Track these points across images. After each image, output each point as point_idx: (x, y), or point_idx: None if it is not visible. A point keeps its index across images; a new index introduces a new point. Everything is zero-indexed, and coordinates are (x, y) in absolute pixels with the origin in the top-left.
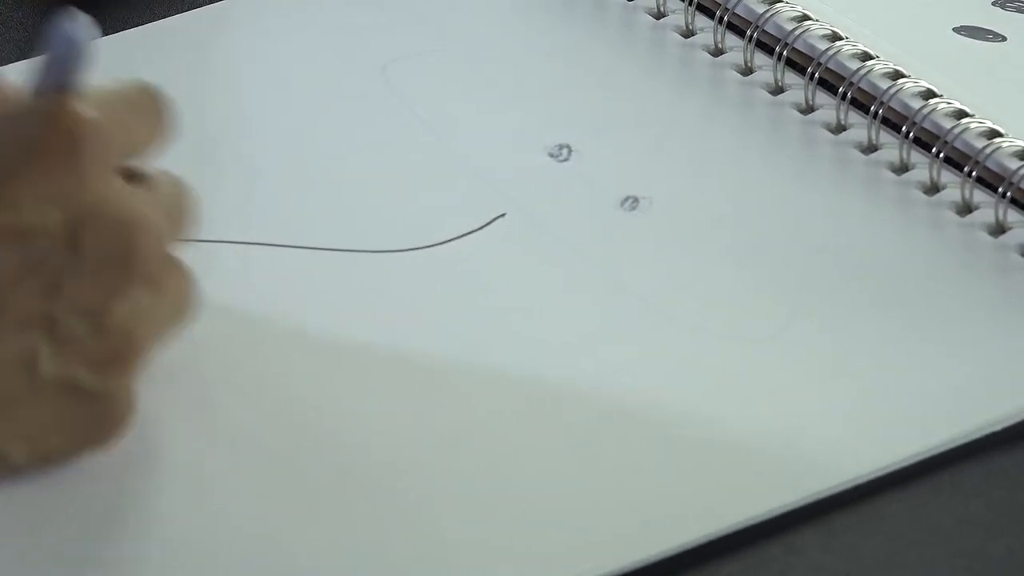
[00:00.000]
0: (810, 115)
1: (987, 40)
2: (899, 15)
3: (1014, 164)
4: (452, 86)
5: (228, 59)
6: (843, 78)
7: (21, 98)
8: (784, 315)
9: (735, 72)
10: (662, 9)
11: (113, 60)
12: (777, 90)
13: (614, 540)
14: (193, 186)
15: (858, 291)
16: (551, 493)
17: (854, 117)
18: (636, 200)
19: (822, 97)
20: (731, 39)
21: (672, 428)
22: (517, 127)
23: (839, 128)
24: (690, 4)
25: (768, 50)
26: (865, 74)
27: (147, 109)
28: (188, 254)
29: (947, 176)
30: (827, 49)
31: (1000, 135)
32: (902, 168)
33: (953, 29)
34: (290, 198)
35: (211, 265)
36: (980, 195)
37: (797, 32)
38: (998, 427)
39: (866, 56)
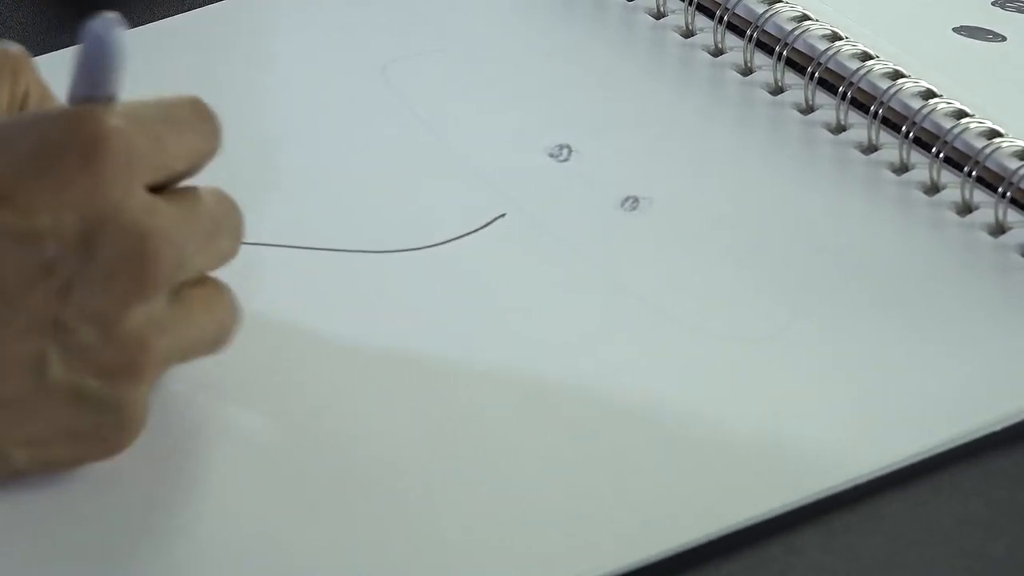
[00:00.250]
0: (810, 115)
1: (987, 40)
2: (899, 15)
3: (1014, 164)
4: (452, 86)
5: (228, 59)
6: (843, 78)
7: (51, 102)
8: (784, 315)
9: (735, 72)
10: (662, 9)
11: None
12: (777, 90)
13: (614, 540)
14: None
15: (858, 291)
16: (551, 493)
17: (854, 117)
18: (636, 200)
19: (822, 97)
20: (731, 39)
21: (672, 428)
22: (517, 127)
23: (839, 128)
24: (690, 4)
25: (768, 50)
26: (865, 74)
27: (190, 125)
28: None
29: (947, 176)
30: (827, 49)
31: (1000, 135)
32: (902, 168)
33: (953, 29)
34: (290, 198)
35: None
36: (980, 195)
37: (797, 32)
38: (998, 427)
39: (866, 56)
